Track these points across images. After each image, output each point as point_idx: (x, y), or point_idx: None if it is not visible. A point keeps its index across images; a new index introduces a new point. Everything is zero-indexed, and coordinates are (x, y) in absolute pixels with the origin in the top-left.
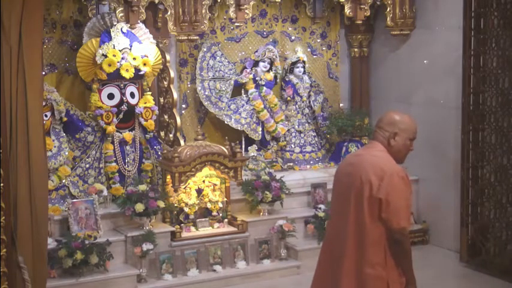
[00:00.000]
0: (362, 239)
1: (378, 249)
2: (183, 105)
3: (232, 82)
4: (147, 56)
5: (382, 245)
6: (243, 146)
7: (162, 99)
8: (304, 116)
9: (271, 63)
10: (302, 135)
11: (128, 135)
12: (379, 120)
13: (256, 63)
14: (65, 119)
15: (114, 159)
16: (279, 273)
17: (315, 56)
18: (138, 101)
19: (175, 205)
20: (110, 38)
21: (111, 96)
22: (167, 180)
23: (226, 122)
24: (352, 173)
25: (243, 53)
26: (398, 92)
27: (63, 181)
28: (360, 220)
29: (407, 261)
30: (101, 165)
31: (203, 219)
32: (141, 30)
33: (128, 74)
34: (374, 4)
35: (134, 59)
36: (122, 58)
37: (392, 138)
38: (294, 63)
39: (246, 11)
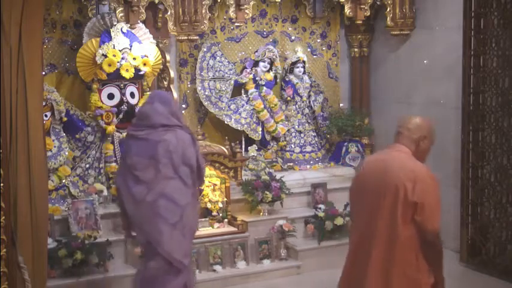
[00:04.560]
0: (393, 241)
1: (409, 250)
2: (183, 105)
3: (232, 82)
4: (147, 56)
5: (414, 246)
6: (243, 146)
7: None
8: (304, 116)
9: (271, 63)
10: (302, 135)
11: None
12: (404, 124)
13: (256, 63)
14: (65, 119)
15: (114, 159)
16: (279, 273)
17: (315, 56)
18: (138, 101)
19: None
20: (110, 38)
21: (111, 96)
22: None
23: (226, 122)
24: (382, 177)
25: (243, 53)
26: (399, 92)
27: (63, 181)
28: (392, 223)
29: (439, 262)
30: (101, 165)
31: (203, 219)
32: (141, 30)
33: (127, 74)
34: (374, 4)
35: (134, 59)
36: (122, 58)
37: (422, 141)
38: (294, 63)
39: (246, 11)
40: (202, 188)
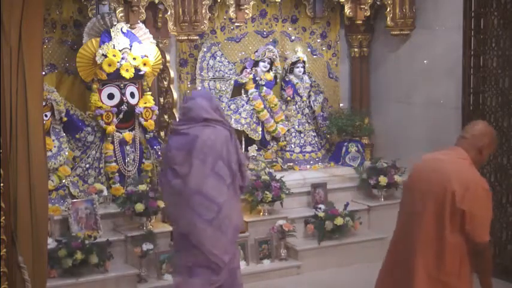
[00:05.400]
0: (440, 247)
1: (454, 258)
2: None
3: (232, 82)
4: (147, 56)
5: (458, 254)
6: (243, 146)
7: (162, 99)
8: (304, 116)
9: (271, 63)
10: (302, 135)
11: (127, 135)
12: (469, 129)
13: (256, 63)
14: (65, 119)
15: (114, 159)
16: (279, 273)
17: (315, 56)
18: (138, 101)
19: None
20: (110, 38)
21: (111, 96)
22: None
23: None
24: (434, 179)
25: (243, 53)
26: (399, 92)
27: (63, 181)
28: (438, 228)
29: (487, 271)
30: (101, 165)
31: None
32: (141, 30)
33: (127, 74)
34: (374, 4)
35: (134, 59)
36: (122, 58)
37: (485, 149)
38: (294, 63)
39: (246, 11)
40: (246, 184)
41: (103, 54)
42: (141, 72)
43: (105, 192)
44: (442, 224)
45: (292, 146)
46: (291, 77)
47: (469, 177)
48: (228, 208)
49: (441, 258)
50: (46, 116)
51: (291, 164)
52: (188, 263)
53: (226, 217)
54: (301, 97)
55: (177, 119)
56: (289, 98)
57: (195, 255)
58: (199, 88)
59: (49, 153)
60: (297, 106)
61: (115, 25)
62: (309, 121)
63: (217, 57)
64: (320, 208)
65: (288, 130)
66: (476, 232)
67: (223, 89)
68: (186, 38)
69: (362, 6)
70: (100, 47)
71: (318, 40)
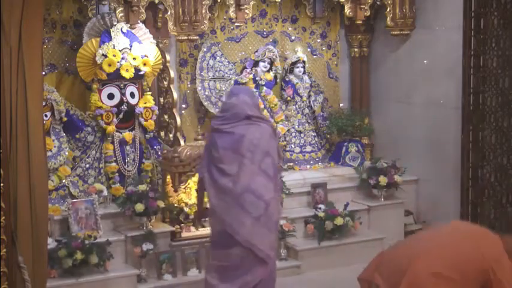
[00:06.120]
0: None
1: None
2: (183, 105)
3: (232, 82)
4: (147, 56)
5: None
6: None
7: (162, 99)
8: (304, 116)
9: (271, 63)
10: (302, 135)
11: (128, 135)
12: None
13: (256, 63)
14: (65, 119)
15: (114, 159)
16: (279, 273)
17: (315, 56)
18: (138, 101)
19: (175, 205)
20: (110, 38)
21: (111, 96)
22: (167, 180)
23: None
24: None
25: (243, 53)
26: (399, 92)
27: (63, 181)
28: None
29: None
30: (101, 165)
31: (203, 220)
32: (141, 30)
33: (128, 74)
34: (374, 4)
35: (134, 59)
36: (122, 58)
37: None
38: (294, 63)
39: (246, 11)
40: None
41: (103, 54)
42: (141, 72)
43: (105, 192)
44: None
45: (292, 146)
46: (291, 77)
47: None
48: (274, 204)
49: None
50: (46, 116)
51: (291, 164)
52: (224, 263)
53: (272, 213)
54: (301, 97)
55: (216, 116)
56: (289, 98)
57: (234, 256)
58: (199, 88)
59: (49, 153)
60: (297, 106)
61: (115, 25)
62: (309, 121)
63: (217, 57)
64: (320, 208)
65: (288, 130)
66: None
67: (223, 89)
68: (186, 38)
69: (362, 6)
70: (100, 47)
71: (318, 40)
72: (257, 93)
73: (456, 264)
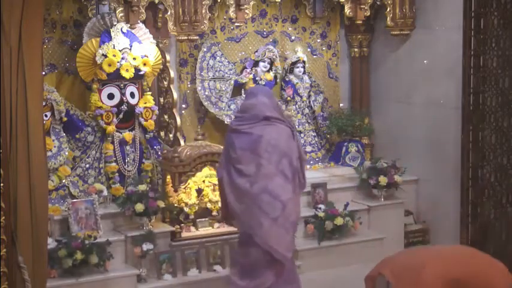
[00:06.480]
0: None
1: None
2: (183, 105)
3: (232, 82)
4: (147, 56)
5: None
6: None
7: (162, 99)
8: (304, 116)
9: (271, 63)
10: (302, 135)
11: (128, 135)
12: None
13: (256, 63)
14: (65, 119)
15: (114, 159)
16: None
17: (315, 56)
18: (138, 101)
19: (175, 205)
20: (110, 38)
21: (111, 96)
22: (167, 180)
23: (226, 122)
24: None
25: (243, 53)
26: (399, 92)
27: (63, 181)
28: None
29: None
30: (101, 165)
31: (203, 219)
32: (141, 30)
33: (128, 74)
34: (374, 4)
35: (134, 59)
36: (122, 58)
37: None
38: (294, 63)
39: (246, 11)
40: (306, 181)
41: (103, 54)
42: (141, 72)
43: (105, 192)
44: None
45: None
46: (291, 77)
47: None
48: (291, 205)
49: None
50: (46, 116)
51: None
52: (244, 261)
53: (289, 214)
54: (301, 97)
55: (235, 116)
56: (289, 98)
57: (253, 255)
58: (199, 88)
59: (49, 153)
60: (297, 106)
61: (115, 25)
62: (309, 121)
63: (217, 57)
64: (320, 208)
65: None
66: None
67: (223, 89)
68: (186, 38)
69: (362, 6)
70: (100, 47)
71: (318, 40)
72: None
73: (469, 276)
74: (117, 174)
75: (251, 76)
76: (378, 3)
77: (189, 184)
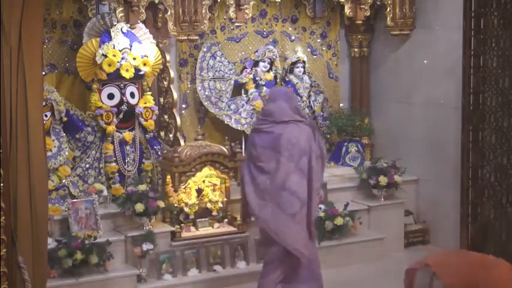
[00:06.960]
0: None
1: None
2: (183, 105)
3: (232, 82)
4: (147, 56)
5: None
6: (243, 146)
7: (162, 99)
8: None
9: (271, 63)
10: None
11: (127, 135)
12: None
13: (256, 63)
14: (65, 119)
15: (114, 159)
16: None
17: (315, 56)
18: (138, 101)
19: (175, 205)
20: (110, 38)
21: (111, 96)
22: (167, 180)
23: (226, 122)
24: None
25: (243, 53)
26: (399, 92)
27: (63, 181)
28: None
29: None
30: (101, 165)
31: (203, 219)
32: (141, 30)
33: (128, 74)
34: (374, 4)
35: (134, 59)
36: (122, 58)
37: None
38: (294, 63)
39: (246, 11)
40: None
41: (103, 54)
42: (141, 72)
43: (105, 192)
44: None
45: None
46: (291, 77)
47: None
48: (309, 203)
49: None
50: (46, 116)
51: None
52: (265, 258)
53: (307, 212)
54: (301, 97)
55: (258, 118)
56: None
57: (272, 252)
58: (199, 88)
59: (49, 153)
60: None
61: (115, 25)
62: None
63: (217, 57)
64: (320, 208)
65: None
66: None
67: (223, 89)
68: (186, 38)
69: (362, 6)
70: (100, 47)
71: (318, 40)
72: (257, 93)
73: None
74: (117, 174)
75: (251, 76)
76: (378, 3)
77: (189, 184)
